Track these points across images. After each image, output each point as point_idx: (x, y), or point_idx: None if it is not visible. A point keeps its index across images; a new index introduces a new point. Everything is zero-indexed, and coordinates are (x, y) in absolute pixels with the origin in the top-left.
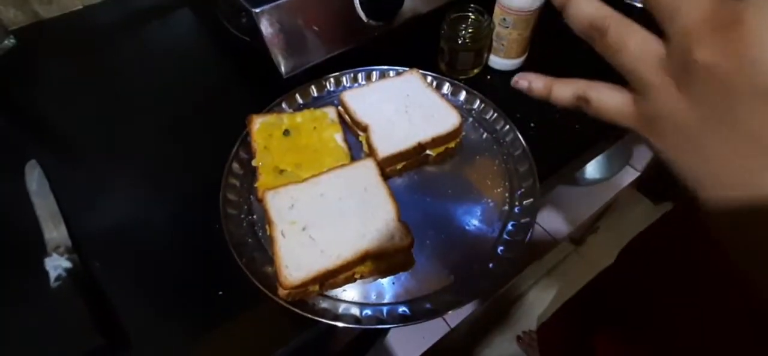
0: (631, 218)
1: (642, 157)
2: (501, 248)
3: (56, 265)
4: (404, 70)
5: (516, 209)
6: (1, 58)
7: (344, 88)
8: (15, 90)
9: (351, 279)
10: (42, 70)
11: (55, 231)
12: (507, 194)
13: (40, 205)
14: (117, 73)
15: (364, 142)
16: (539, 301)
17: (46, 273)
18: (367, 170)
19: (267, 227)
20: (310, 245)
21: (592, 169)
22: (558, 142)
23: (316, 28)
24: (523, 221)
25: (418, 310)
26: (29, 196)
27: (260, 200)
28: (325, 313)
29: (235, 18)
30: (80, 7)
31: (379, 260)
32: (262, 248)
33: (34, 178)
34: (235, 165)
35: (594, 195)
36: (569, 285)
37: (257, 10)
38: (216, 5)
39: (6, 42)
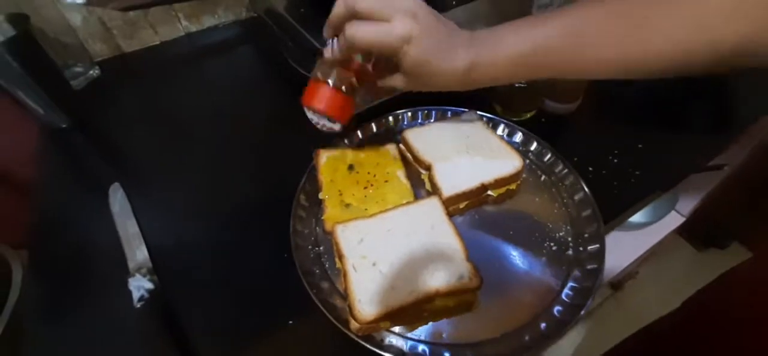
0: (673, 265)
1: (688, 202)
2: (567, 293)
3: (139, 286)
4: (462, 111)
5: (581, 255)
6: (86, 87)
7: (402, 126)
8: (99, 116)
9: (420, 317)
10: (123, 99)
11: (137, 252)
12: (570, 239)
13: (122, 226)
14: (190, 103)
15: (426, 180)
16: (575, 349)
17: (129, 293)
18: (433, 209)
19: (337, 260)
20: (381, 280)
21: (638, 212)
22: (617, 188)
23: None
24: (589, 267)
25: (483, 354)
26: (112, 217)
27: (327, 233)
28: (391, 349)
29: (302, 57)
30: (158, 42)
31: (447, 299)
32: (329, 279)
33: (117, 200)
34: (302, 197)
35: (637, 240)
36: (607, 333)
37: None
38: (284, 47)
39: (91, 72)
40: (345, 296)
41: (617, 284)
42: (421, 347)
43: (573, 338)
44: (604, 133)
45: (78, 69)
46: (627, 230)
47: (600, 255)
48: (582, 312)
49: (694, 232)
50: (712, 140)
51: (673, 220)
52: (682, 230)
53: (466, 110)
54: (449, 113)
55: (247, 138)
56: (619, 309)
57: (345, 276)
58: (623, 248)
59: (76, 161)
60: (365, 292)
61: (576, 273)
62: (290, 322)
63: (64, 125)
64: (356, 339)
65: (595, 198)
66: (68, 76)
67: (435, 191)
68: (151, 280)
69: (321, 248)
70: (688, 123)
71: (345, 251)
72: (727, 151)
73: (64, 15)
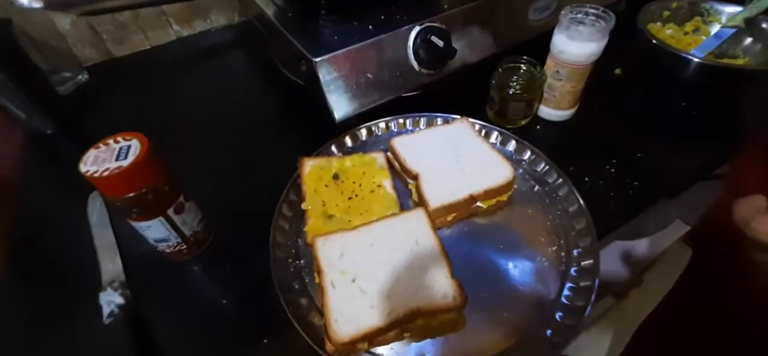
0: (678, 273)
1: (694, 211)
2: (559, 314)
3: (110, 300)
4: (453, 118)
5: (573, 271)
6: (74, 91)
7: (393, 133)
8: (86, 122)
9: (400, 337)
10: (111, 104)
11: (110, 264)
12: (563, 253)
13: (99, 236)
14: (177, 108)
15: (413, 190)
16: None
17: (99, 307)
18: (418, 222)
19: (316, 275)
20: (360, 298)
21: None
22: (614, 199)
23: (369, 75)
24: (582, 284)
25: None
26: (90, 227)
27: (309, 245)
28: None
29: (292, 63)
30: (148, 47)
31: (430, 318)
32: (308, 295)
33: (96, 209)
34: (285, 207)
35: (638, 250)
36: (612, 345)
37: (317, 59)
38: (273, 51)
39: (80, 77)
40: (323, 313)
41: (621, 293)
42: None
43: (576, 346)
44: (601, 140)
45: (66, 74)
46: (628, 239)
47: (594, 271)
48: (574, 335)
49: (699, 240)
50: (715, 149)
51: (678, 229)
52: (687, 239)
53: (458, 117)
54: (440, 120)
55: (234, 144)
56: (623, 319)
57: (323, 292)
58: (627, 256)
59: (59, 167)
60: (342, 311)
61: (568, 291)
62: (265, 341)
63: (49, 131)
64: None
65: (591, 210)
66: (56, 82)
67: (421, 202)
68: (122, 294)
69: (302, 261)
70: (689, 131)
71: (324, 266)
72: (731, 161)
73: (52, 19)
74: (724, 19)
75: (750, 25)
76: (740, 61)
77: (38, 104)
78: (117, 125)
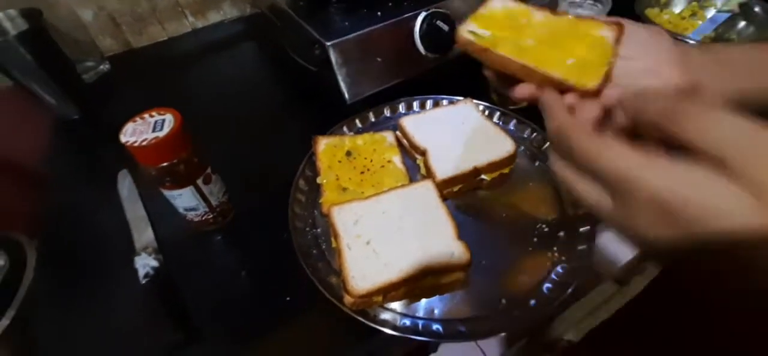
0: None
1: None
2: (557, 271)
3: (145, 263)
4: (458, 99)
5: (572, 236)
6: (96, 80)
7: (400, 114)
8: (108, 108)
9: (411, 294)
10: (131, 92)
11: (143, 233)
12: (562, 221)
13: (130, 209)
14: (193, 95)
15: (421, 165)
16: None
17: (135, 271)
18: (426, 191)
19: (333, 239)
20: (374, 258)
21: None
22: None
23: (379, 59)
24: (580, 248)
25: (474, 330)
26: (121, 202)
27: (325, 215)
28: (385, 323)
29: (303, 50)
30: (165, 38)
31: (438, 276)
32: (325, 260)
33: (125, 185)
34: (302, 182)
35: None
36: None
37: (330, 44)
38: (285, 39)
39: (101, 67)
40: (340, 273)
41: (624, 279)
42: (413, 321)
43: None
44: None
45: (89, 63)
46: None
47: (591, 236)
48: (569, 291)
49: None
50: None
51: None
52: None
53: (462, 98)
54: (445, 101)
55: (250, 127)
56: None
57: (340, 253)
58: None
59: (87, 150)
60: (358, 269)
61: (567, 253)
62: (288, 299)
63: (75, 116)
64: (350, 313)
65: None
66: (79, 71)
67: (429, 174)
68: (156, 259)
69: (318, 230)
70: None
71: (340, 231)
72: None
73: (75, 11)
74: (719, 4)
75: (744, 10)
76: None
77: (67, 91)
78: (137, 111)
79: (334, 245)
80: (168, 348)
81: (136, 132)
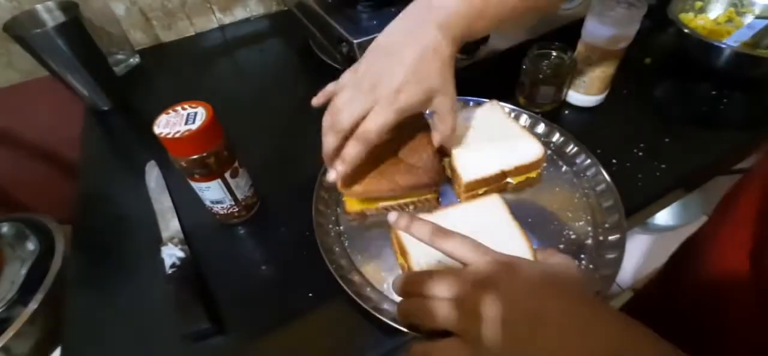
0: None
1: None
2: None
3: (171, 253)
4: (484, 101)
5: (601, 244)
6: (126, 73)
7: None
8: (138, 100)
9: None
10: (160, 85)
11: (170, 224)
12: (590, 228)
13: (157, 200)
14: (222, 90)
15: (446, 166)
16: None
17: (162, 261)
18: (493, 206)
19: (399, 256)
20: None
21: (666, 215)
22: (641, 181)
23: None
24: (609, 256)
25: None
26: (148, 192)
27: (347, 213)
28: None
29: (331, 47)
30: (193, 33)
31: None
32: (348, 256)
33: (153, 177)
34: (324, 179)
35: (663, 243)
36: None
37: (357, 41)
38: (312, 37)
39: (132, 60)
40: (361, 273)
41: (641, 289)
42: None
43: None
44: (629, 125)
45: (120, 56)
46: (653, 233)
47: (621, 245)
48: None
49: None
50: (743, 139)
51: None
52: None
53: (488, 100)
54: (471, 102)
55: (276, 123)
56: None
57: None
58: (648, 251)
59: (117, 141)
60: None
61: (595, 261)
62: (310, 294)
63: (106, 108)
64: (371, 312)
65: (618, 190)
66: (111, 63)
67: (454, 176)
68: (182, 249)
69: (341, 227)
70: (718, 120)
71: (407, 246)
72: (758, 152)
73: (108, 5)
74: (757, 10)
75: None
76: None
77: (99, 82)
78: (165, 104)
79: (400, 261)
80: (192, 336)
81: (170, 124)
